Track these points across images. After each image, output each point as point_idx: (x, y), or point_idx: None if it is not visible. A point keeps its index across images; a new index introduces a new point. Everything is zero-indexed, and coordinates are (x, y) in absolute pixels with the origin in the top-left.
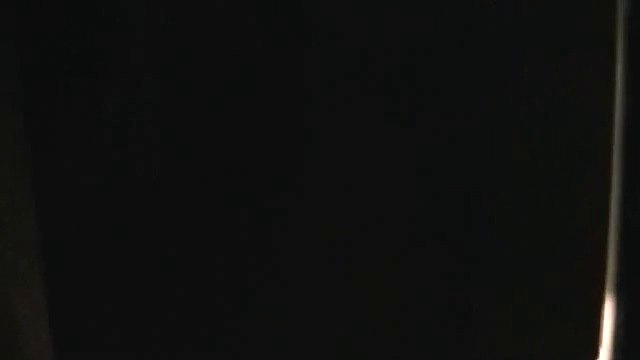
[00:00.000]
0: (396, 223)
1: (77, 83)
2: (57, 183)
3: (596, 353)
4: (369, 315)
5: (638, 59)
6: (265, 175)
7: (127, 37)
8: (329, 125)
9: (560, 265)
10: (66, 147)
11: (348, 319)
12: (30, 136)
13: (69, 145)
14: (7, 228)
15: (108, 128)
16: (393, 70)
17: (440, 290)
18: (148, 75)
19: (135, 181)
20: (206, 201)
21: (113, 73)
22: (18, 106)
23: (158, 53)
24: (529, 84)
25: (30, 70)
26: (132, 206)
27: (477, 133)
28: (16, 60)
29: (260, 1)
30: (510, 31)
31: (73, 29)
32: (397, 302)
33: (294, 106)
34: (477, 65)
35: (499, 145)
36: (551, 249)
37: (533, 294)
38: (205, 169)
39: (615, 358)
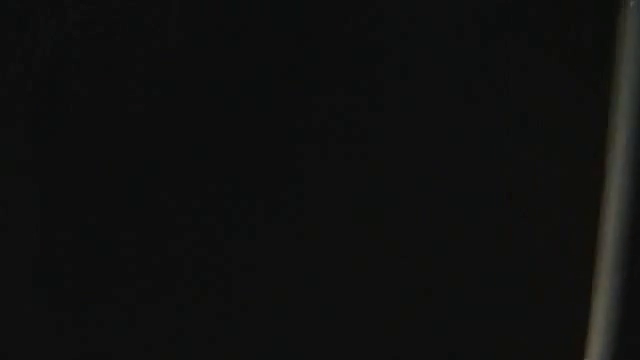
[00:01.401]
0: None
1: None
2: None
3: (582, 353)
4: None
5: None
6: (264, 172)
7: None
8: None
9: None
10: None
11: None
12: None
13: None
14: None
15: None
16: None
17: (434, 288)
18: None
19: (135, 179)
20: (204, 199)
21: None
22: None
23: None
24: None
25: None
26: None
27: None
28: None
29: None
30: None
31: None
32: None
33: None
34: None
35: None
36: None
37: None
38: (203, 165)
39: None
